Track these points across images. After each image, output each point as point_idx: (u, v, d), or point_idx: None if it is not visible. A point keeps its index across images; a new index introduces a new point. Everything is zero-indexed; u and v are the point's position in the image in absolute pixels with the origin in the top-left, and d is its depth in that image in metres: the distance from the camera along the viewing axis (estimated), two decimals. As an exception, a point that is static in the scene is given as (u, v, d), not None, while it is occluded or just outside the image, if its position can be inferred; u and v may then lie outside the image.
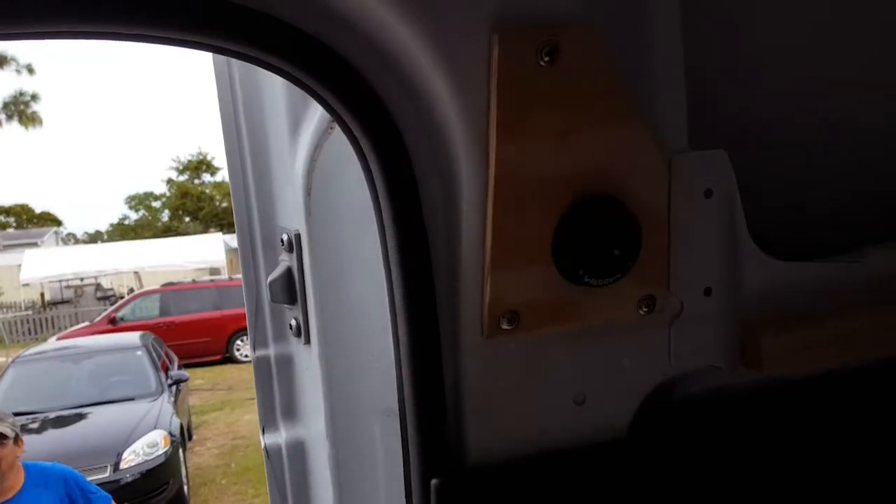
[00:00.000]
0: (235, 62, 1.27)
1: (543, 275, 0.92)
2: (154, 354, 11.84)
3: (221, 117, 1.28)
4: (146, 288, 23.71)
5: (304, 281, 1.20)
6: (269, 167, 1.27)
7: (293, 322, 1.24)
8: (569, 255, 0.90)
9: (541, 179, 0.89)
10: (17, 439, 4.85)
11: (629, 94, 0.92)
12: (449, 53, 0.84)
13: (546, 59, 0.86)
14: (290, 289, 1.22)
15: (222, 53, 0.88)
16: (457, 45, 0.84)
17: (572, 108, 0.89)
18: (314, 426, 1.26)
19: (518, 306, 0.92)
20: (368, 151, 0.89)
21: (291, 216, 1.22)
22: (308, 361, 1.24)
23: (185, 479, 9.82)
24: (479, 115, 0.86)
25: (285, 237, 1.22)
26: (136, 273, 28.83)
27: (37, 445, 8.11)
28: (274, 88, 1.20)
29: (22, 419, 8.20)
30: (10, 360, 12.65)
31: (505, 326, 0.92)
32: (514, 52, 0.85)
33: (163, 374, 11.30)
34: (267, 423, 1.35)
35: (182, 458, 9.92)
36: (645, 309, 0.98)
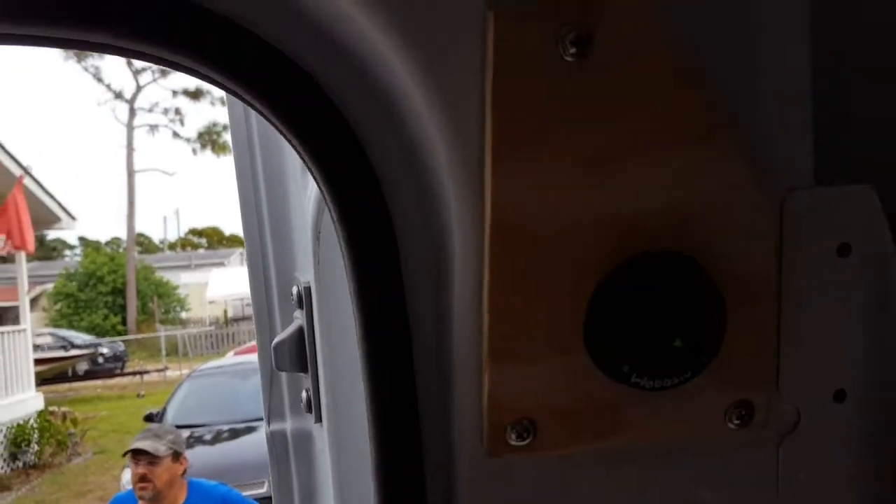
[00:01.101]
0: None
1: (572, 368, 0.63)
2: (316, 374, 12.13)
3: (233, 141, 1.08)
4: (317, 307, 24.57)
5: (313, 344, 0.96)
6: (285, 205, 1.05)
7: (304, 394, 1.01)
8: (608, 343, 0.61)
9: (564, 229, 0.60)
10: (176, 456, 4.93)
11: (715, 101, 0.61)
12: (423, 42, 0.58)
13: (572, 50, 0.58)
14: (300, 354, 0.98)
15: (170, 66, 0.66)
16: (436, 30, 0.57)
17: (616, 124, 0.60)
18: None
19: (534, 413, 0.64)
20: (326, 187, 0.64)
21: (304, 265, 0.99)
22: (321, 443, 1.00)
23: (337, 501, 9.90)
24: (469, 136, 0.59)
25: (295, 290, 0.99)
26: (310, 293, 30.03)
27: (202, 458, 8.47)
28: None
29: (187, 431, 8.62)
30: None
31: (513, 441, 0.64)
32: (520, 38, 0.57)
33: (323, 394, 11.54)
34: None
35: (336, 479, 10.02)
36: (737, 421, 0.66)
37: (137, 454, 4.81)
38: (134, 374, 22.74)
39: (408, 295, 0.65)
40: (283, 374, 1.08)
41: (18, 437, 13.18)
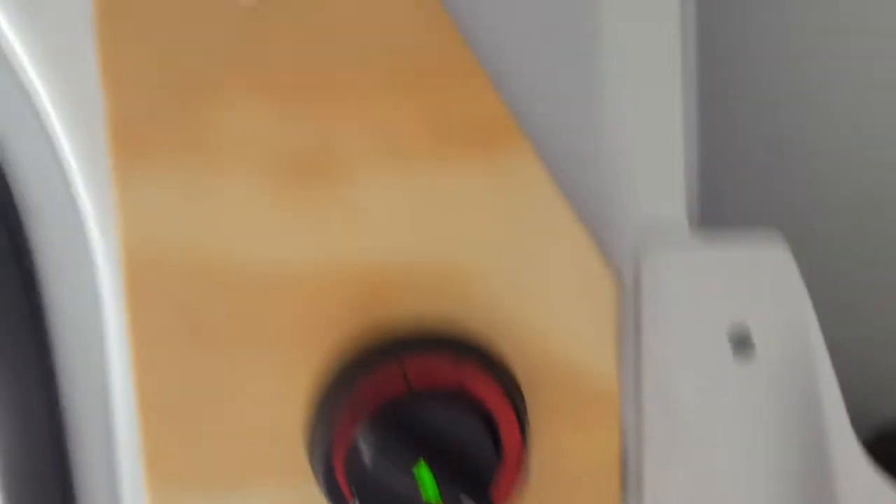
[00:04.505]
0: None
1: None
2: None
3: None
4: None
5: None
6: None
7: None
8: (330, 468, 0.37)
9: (251, 276, 0.36)
10: None
11: (515, 97, 0.38)
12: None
13: None
14: None
15: None
16: None
17: (332, 113, 0.37)
18: None
19: None
20: None
21: None
22: None
23: None
24: (93, 125, 0.37)
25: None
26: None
27: None
28: None
29: None
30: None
31: None
32: None
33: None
34: None
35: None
36: None
37: None
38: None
39: (57, 355, 0.42)
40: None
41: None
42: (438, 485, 0.35)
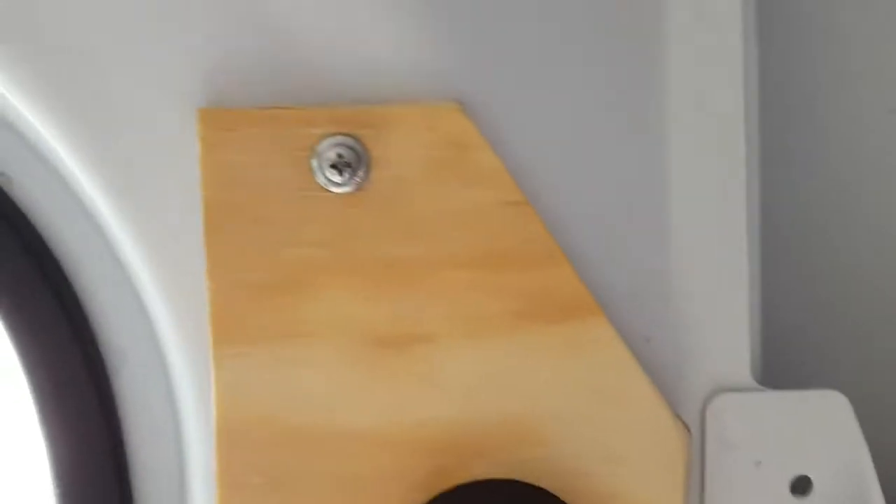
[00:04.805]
0: None
1: None
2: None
3: None
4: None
5: None
6: None
7: None
8: None
9: (328, 442, 0.37)
10: None
11: (545, 242, 0.39)
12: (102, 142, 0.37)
13: (334, 176, 0.36)
14: None
15: None
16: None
17: (417, 284, 0.38)
18: None
19: None
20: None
21: None
22: None
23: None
24: (193, 303, 0.38)
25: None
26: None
27: None
28: None
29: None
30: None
31: None
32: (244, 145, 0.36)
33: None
34: None
35: None
36: None
37: None
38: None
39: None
40: None
41: None
42: None
